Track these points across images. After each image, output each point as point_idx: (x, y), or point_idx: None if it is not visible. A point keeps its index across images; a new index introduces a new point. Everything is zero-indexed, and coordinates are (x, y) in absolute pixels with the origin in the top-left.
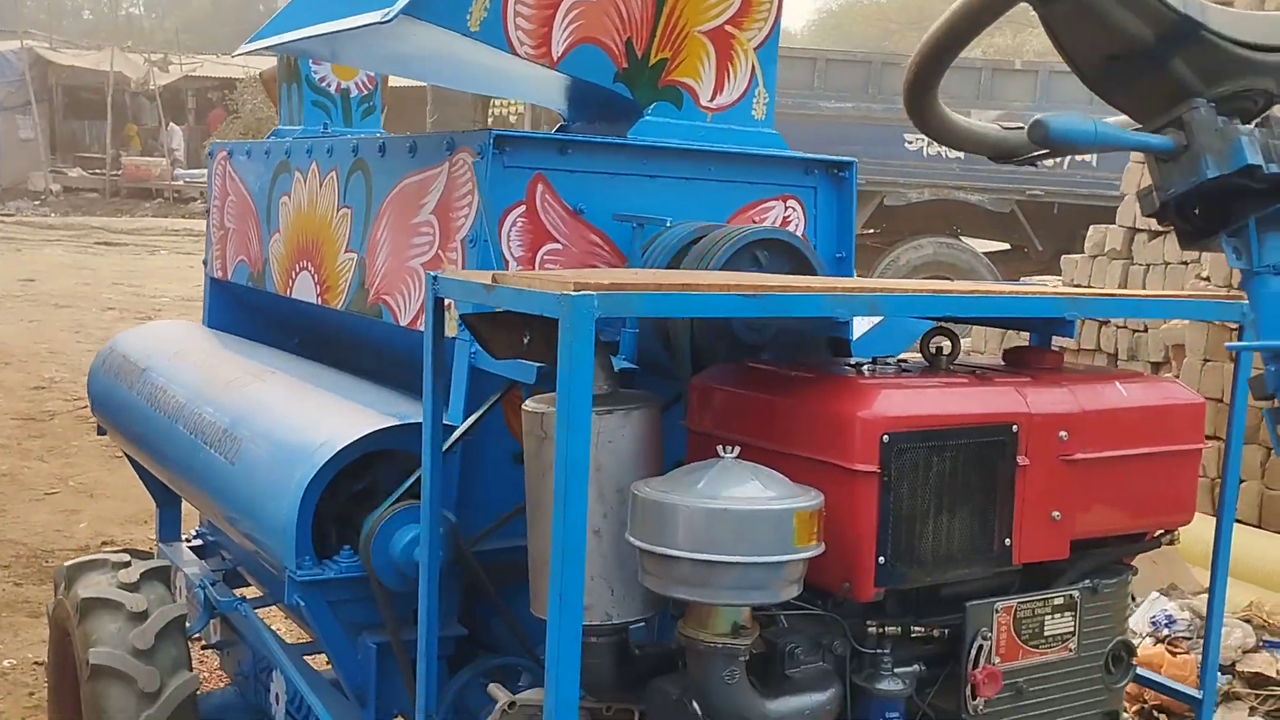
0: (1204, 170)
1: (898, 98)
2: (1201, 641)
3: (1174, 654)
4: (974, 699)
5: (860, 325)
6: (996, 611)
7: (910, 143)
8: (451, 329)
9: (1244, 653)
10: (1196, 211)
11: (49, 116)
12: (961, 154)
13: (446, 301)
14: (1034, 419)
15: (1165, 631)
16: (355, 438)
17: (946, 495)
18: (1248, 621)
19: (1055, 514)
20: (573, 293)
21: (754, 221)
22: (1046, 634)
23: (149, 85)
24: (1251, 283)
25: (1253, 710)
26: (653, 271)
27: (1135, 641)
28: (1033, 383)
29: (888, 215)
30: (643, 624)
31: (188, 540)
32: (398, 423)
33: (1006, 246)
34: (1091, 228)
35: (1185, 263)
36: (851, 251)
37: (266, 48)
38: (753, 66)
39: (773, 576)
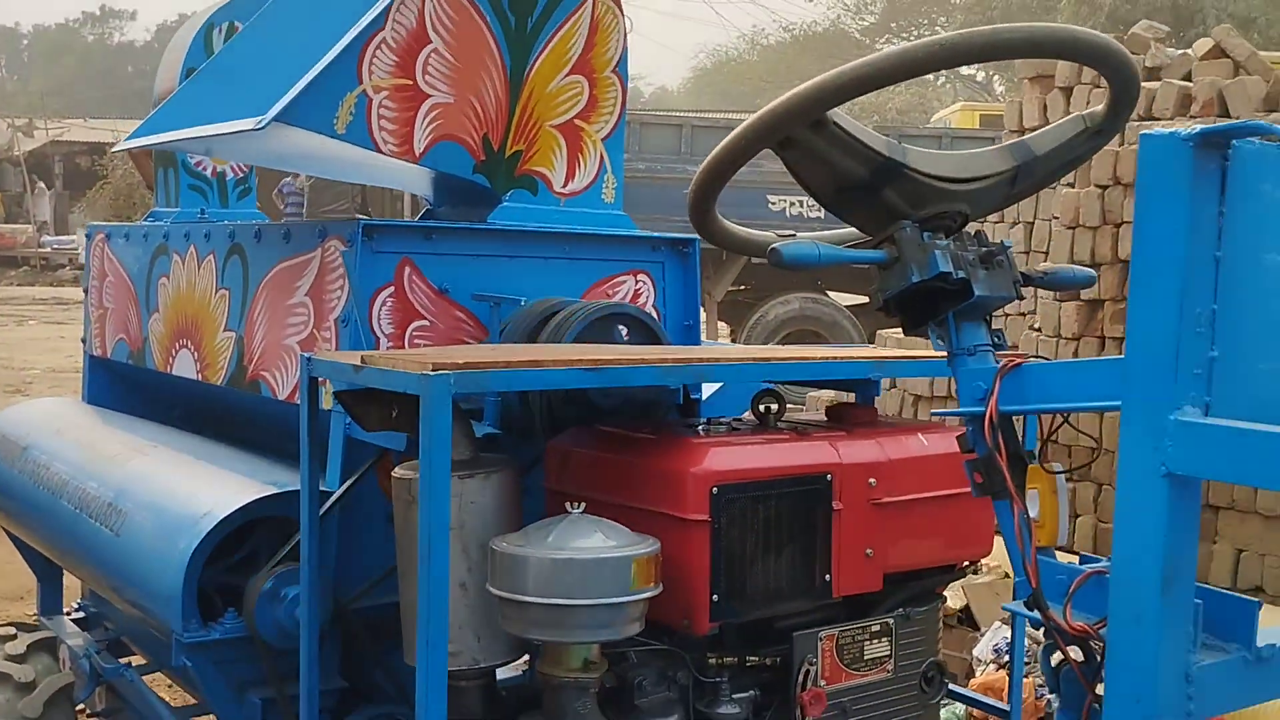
0: (910, 276)
1: (761, 161)
2: (1039, 666)
3: None
4: (803, 718)
5: (709, 387)
6: (820, 640)
7: (774, 204)
8: (327, 402)
9: None
10: (919, 303)
11: None
12: (822, 213)
13: (321, 379)
14: (846, 468)
15: (1006, 658)
16: (237, 506)
17: (771, 538)
18: None
19: (868, 551)
20: (431, 373)
21: (608, 295)
22: (866, 658)
23: (13, 151)
24: (954, 362)
25: None
26: (507, 348)
27: (979, 668)
28: (846, 436)
29: (755, 273)
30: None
31: (70, 613)
32: (277, 490)
33: (867, 300)
34: None
35: (1023, 314)
36: (697, 320)
37: (143, 146)
38: (601, 155)
39: (616, 616)
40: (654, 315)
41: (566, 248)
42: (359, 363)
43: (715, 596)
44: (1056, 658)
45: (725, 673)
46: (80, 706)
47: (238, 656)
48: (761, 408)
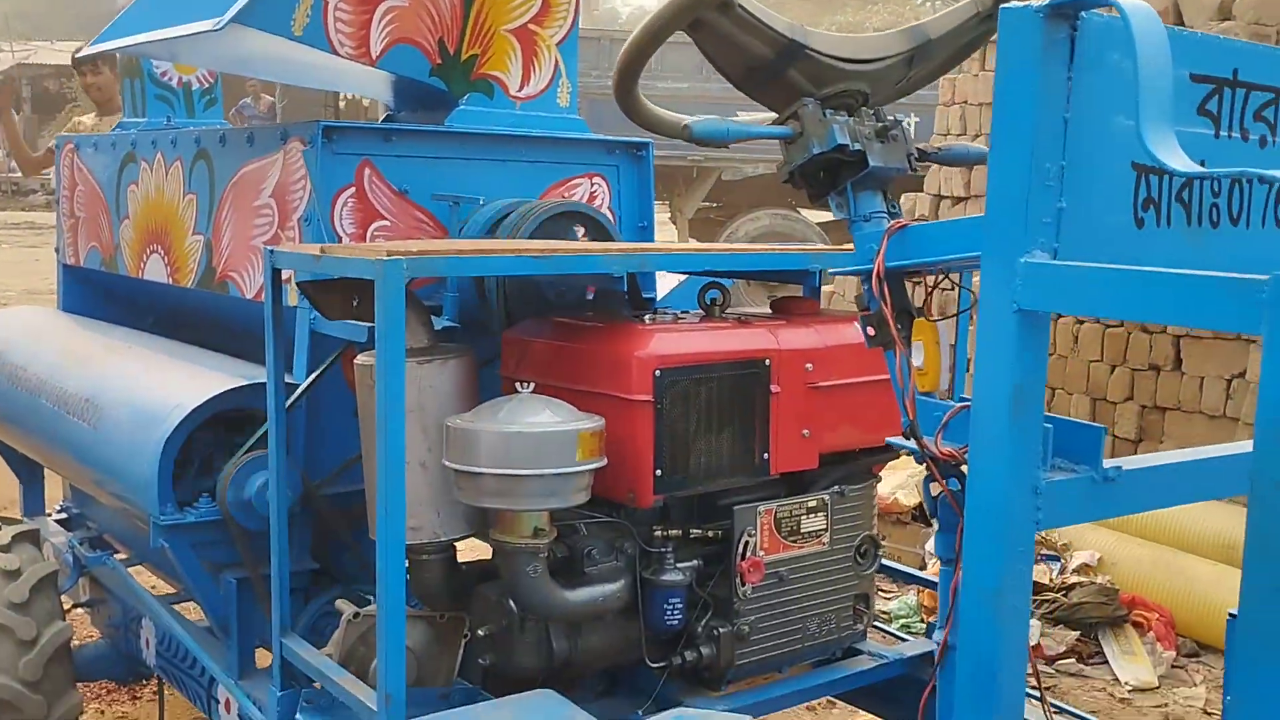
0: (811, 149)
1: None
2: None
3: None
4: (743, 585)
5: (663, 287)
6: (759, 514)
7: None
8: (292, 298)
9: None
10: (822, 176)
11: None
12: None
13: (285, 274)
14: (783, 354)
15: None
16: (207, 397)
17: (712, 419)
18: (1038, 542)
19: (805, 432)
20: (385, 258)
21: (564, 197)
22: (803, 531)
23: None
24: (851, 228)
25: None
26: (460, 241)
27: (931, 561)
28: (785, 325)
29: (727, 190)
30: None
31: (53, 515)
32: (245, 383)
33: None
34: (904, 196)
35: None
36: (651, 220)
37: (107, 50)
38: (556, 60)
39: (563, 485)
40: (608, 216)
41: (523, 150)
42: (318, 253)
43: (659, 472)
44: (935, 488)
45: (670, 544)
46: (66, 600)
47: (212, 539)
48: (706, 298)
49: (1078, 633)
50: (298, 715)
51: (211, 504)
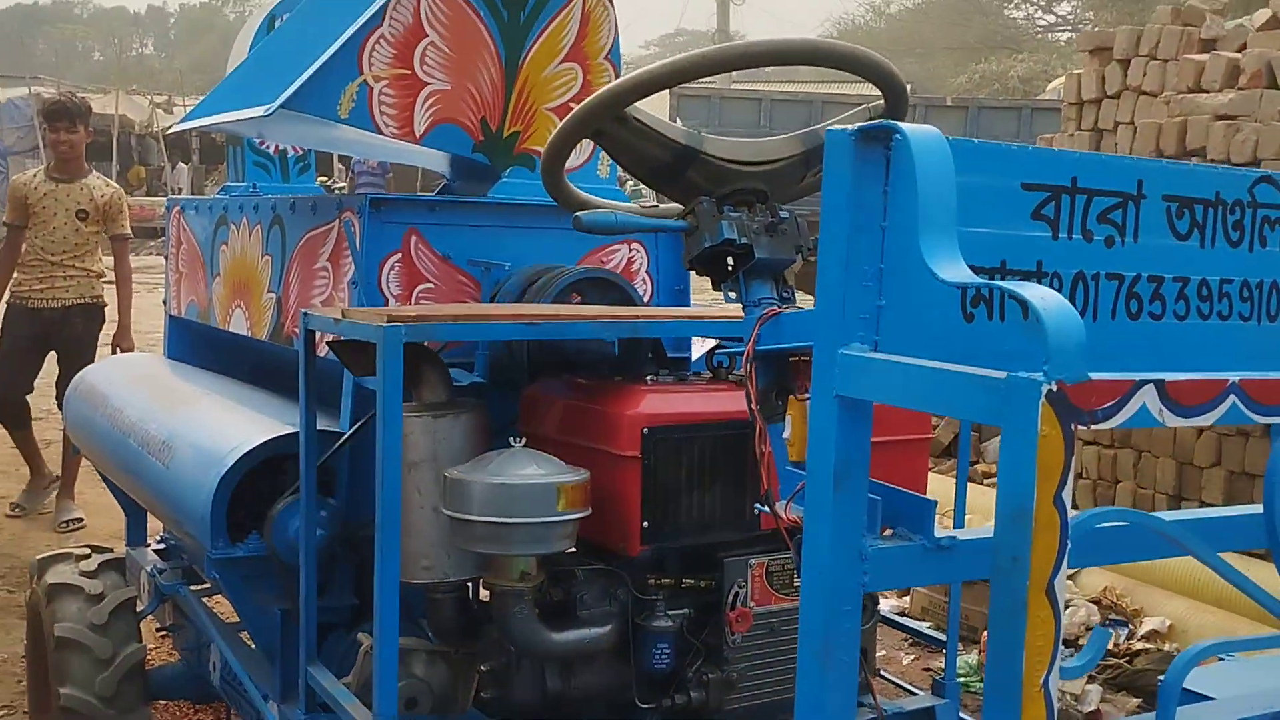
0: (704, 242)
1: None
2: None
3: None
4: (731, 634)
5: (699, 347)
6: (750, 566)
7: None
8: (323, 350)
9: (1087, 629)
10: (726, 265)
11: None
12: None
13: (319, 333)
14: None
15: None
16: (259, 442)
17: (702, 475)
18: (1097, 603)
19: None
20: (385, 324)
21: (602, 263)
22: (795, 584)
23: (153, 127)
24: (745, 312)
25: (1091, 678)
26: (471, 305)
27: None
28: None
29: None
30: None
31: (152, 545)
32: (294, 430)
33: None
34: None
35: None
36: (687, 284)
37: (188, 129)
38: None
39: (546, 533)
40: (644, 280)
41: (564, 218)
42: (339, 316)
43: (646, 523)
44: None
45: (662, 592)
46: (154, 622)
47: (261, 572)
48: (714, 362)
49: (1139, 700)
50: None
51: (260, 540)
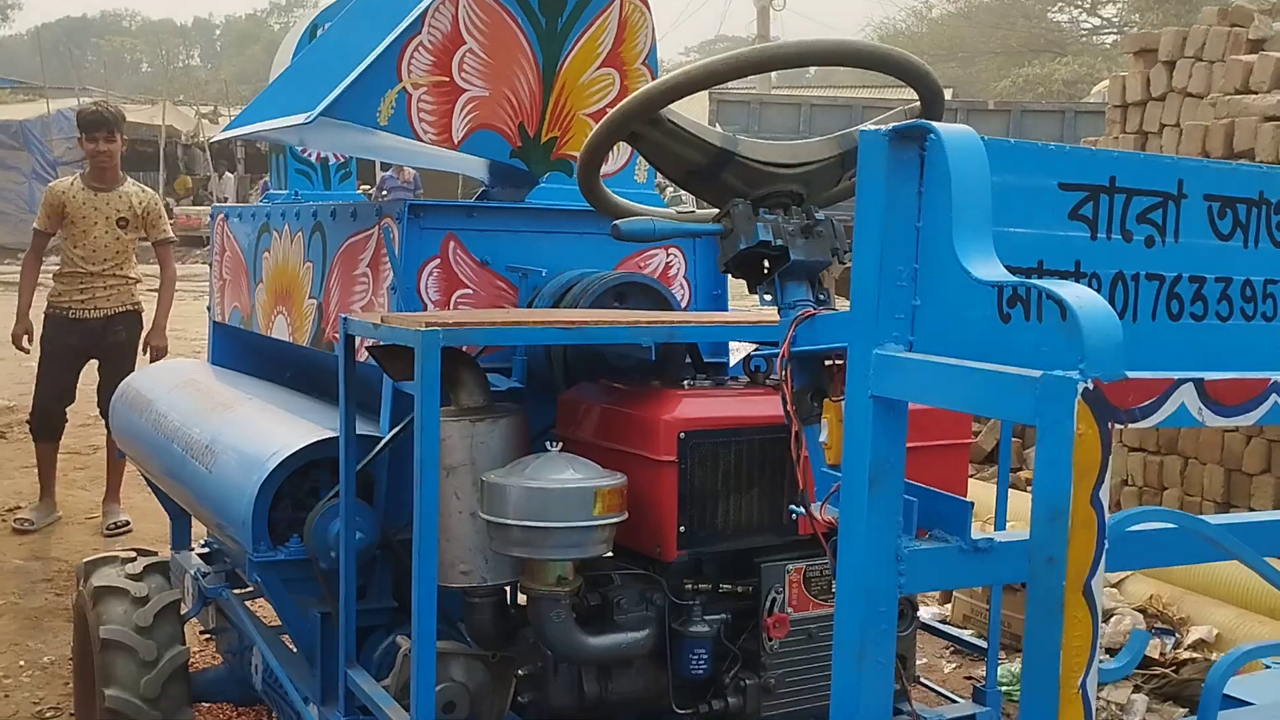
0: (740, 244)
1: None
2: None
3: None
4: (769, 640)
5: (736, 353)
6: (788, 571)
7: None
8: (363, 355)
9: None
10: (763, 269)
11: None
12: None
13: (359, 338)
14: None
15: None
16: (299, 447)
17: (736, 480)
18: (1143, 611)
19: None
20: (423, 329)
21: (640, 268)
22: (834, 590)
23: (199, 137)
24: (781, 315)
25: (1137, 688)
26: (506, 310)
27: None
28: None
29: None
30: None
31: (196, 550)
32: (333, 434)
33: None
34: None
35: None
36: (725, 289)
37: (229, 137)
38: None
39: (582, 538)
40: (682, 285)
41: (601, 224)
42: (378, 321)
43: (682, 528)
44: None
45: (700, 597)
46: (198, 626)
47: (301, 576)
48: (751, 366)
49: (1186, 710)
50: None
51: (300, 544)
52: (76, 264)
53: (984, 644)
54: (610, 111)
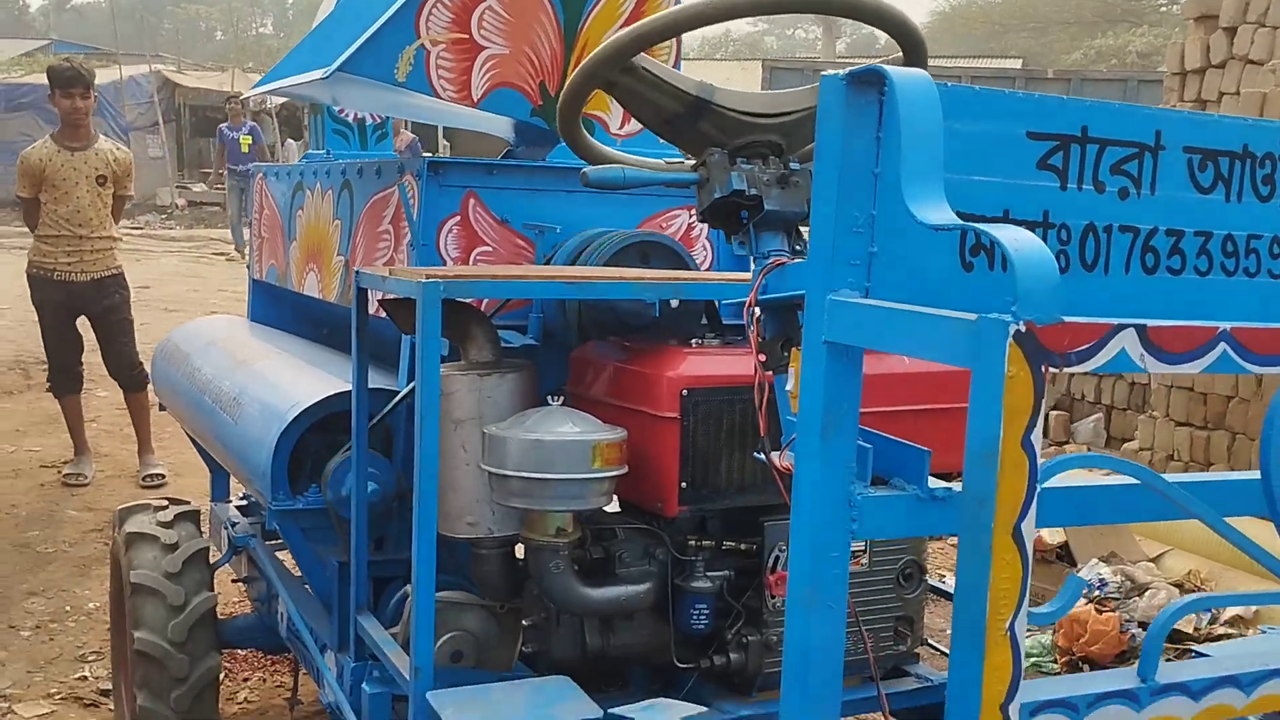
0: (714, 193)
1: None
2: (1128, 602)
3: (1100, 612)
4: (772, 598)
5: None
6: None
7: None
8: (375, 308)
9: None
10: (741, 219)
11: (176, 135)
12: None
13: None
14: None
15: (1096, 592)
16: (318, 399)
17: (743, 437)
18: (1179, 586)
19: None
20: (424, 280)
21: (661, 228)
22: None
23: (266, 104)
24: (753, 264)
25: (1168, 661)
26: (512, 266)
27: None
28: None
29: None
30: None
31: (234, 501)
32: (348, 387)
33: None
34: None
35: None
36: None
37: (258, 93)
38: None
39: (581, 489)
40: (704, 246)
41: None
42: (386, 274)
43: (684, 484)
44: None
45: (703, 553)
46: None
47: (319, 524)
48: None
49: None
50: (364, 684)
51: (318, 494)
52: (62, 226)
53: None
54: (585, 59)
